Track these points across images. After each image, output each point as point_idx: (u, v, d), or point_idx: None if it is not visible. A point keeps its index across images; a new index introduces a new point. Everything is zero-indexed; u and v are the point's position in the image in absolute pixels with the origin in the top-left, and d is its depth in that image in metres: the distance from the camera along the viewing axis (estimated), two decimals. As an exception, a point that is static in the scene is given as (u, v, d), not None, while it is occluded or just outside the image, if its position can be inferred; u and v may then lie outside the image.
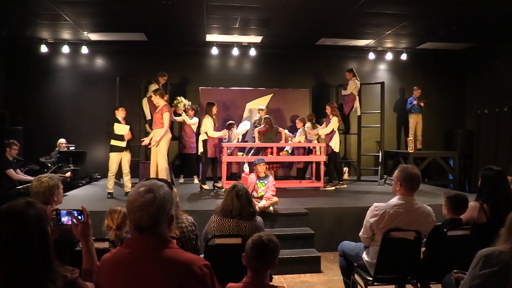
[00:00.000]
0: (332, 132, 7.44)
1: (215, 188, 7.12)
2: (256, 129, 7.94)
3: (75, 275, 1.59)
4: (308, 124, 8.18)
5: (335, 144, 7.44)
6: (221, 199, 3.52)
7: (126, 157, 6.56)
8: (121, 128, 6.49)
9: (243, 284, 2.14)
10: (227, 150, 7.33)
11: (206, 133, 7.04)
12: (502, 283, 1.82)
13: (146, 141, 6.70)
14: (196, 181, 8.31)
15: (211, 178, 7.23)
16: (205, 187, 7.22)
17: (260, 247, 2.15)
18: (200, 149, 7.42)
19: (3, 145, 6.89)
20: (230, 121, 8.08)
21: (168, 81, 8.77)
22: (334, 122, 7.42)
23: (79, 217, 1.95)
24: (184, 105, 8.26)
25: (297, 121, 8.31)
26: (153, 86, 8.10)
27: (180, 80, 9.57)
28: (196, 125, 8.20)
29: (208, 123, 7.00)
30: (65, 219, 1.97)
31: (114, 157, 6.48)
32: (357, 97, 8.78)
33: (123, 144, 6.46)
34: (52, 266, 1.52)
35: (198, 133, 7.84)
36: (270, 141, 7.70)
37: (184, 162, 8.59)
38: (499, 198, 3.27)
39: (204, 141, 7.13)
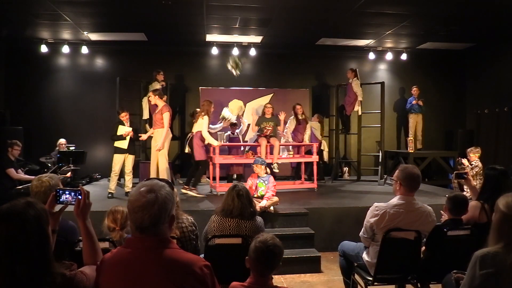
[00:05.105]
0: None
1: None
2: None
3: (73, 272, 1.59)
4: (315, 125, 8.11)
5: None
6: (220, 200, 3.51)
7: (129, 158, 6.63)
8: (123, 129, 6.54)
9: (248, 284, 2.13)
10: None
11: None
12: (500, 283, 1.83)
13: (143, 136, 6.88)
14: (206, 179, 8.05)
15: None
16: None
17: (266, 252, 2.11)
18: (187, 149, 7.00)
19: (4, 145, 6.89)
20: (233, 121, 8.02)
21: (168, 81, 8.77)
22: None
23: (78, 196, 1.98)
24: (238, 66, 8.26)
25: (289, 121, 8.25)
26: (155, 85, 8.08)
27: (180, 80, 9.57)
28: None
29: (205, 123, 6.45)
30: (64, 198, 2.00)
31: (117, 158, 6.53)
32: (358, 97, 8.73)
33: (125, 144, 6.50)
34: (51, 268, 1.52)
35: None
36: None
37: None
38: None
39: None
